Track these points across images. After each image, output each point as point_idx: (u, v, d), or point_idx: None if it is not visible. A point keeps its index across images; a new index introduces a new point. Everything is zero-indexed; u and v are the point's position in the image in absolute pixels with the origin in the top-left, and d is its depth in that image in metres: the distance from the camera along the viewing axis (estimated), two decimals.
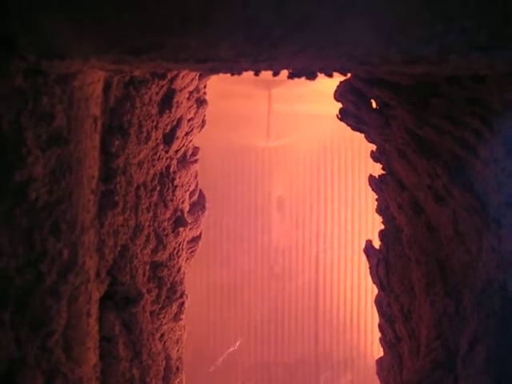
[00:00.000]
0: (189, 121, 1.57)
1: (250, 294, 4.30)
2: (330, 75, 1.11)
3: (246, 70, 1.08)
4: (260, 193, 4.35)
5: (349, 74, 1.45)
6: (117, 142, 1.22)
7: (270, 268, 4.33)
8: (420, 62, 0.96)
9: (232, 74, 1.12)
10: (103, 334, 1.23)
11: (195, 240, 1.71)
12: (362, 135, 1.59)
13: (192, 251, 1.69)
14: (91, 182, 1.17)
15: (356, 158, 4.24)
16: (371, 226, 4.05)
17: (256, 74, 1.11)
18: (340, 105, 1.56)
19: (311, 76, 1.10)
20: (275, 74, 1.12)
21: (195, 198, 1.70)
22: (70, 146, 1.08)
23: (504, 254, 1.14)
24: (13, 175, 0.96)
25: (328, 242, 4.33)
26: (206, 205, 1.79)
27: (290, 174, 4.38)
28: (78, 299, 1.09)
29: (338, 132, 4.04)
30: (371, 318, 4.02)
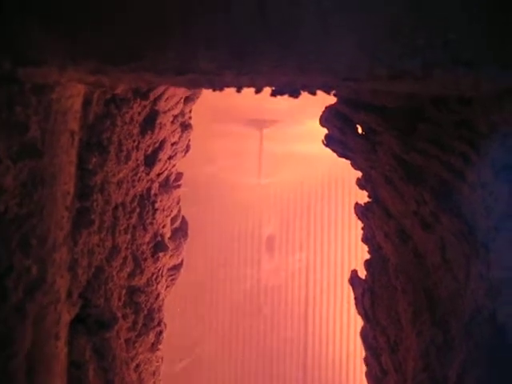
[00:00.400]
0: (172, 144, 1.54)
1: (237, 333, 4.21)
2: (313, 93, 1.08)
3: (228, 84, 1.05)
4: (250, 231, 4.31)
5: (335, 100, 1.43)
6: (94, 159, 1.19)
7: (258, 308, 4.25)
8: (405, 77, 0.94)
9: (214, 90, 1.09)
10: (72, 359, 1.16)
11: (176, 268, 1.65)
12: (352, 174, 1.57)
13: (173, 279, 1.63)
14: (66, 197, 1.13)
15: (346, 196, 4.22)
16: (361, 266, 4.00)
17: (238, 91, 1.09)
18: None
19: (294, 93, 1.08)
20: (258, 90, 1.09)
21: (177, 224, 1.65)
22: (43, 159, 1.04)
23: (493, 281, 1.10)
24: None
25: (318, 282, 4.27)
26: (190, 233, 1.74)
27: (280, 212, 4.35)
28: (45, 319, 1.03)
29: (328, 171, 4.03)
30: (360, 357, 3.93)
